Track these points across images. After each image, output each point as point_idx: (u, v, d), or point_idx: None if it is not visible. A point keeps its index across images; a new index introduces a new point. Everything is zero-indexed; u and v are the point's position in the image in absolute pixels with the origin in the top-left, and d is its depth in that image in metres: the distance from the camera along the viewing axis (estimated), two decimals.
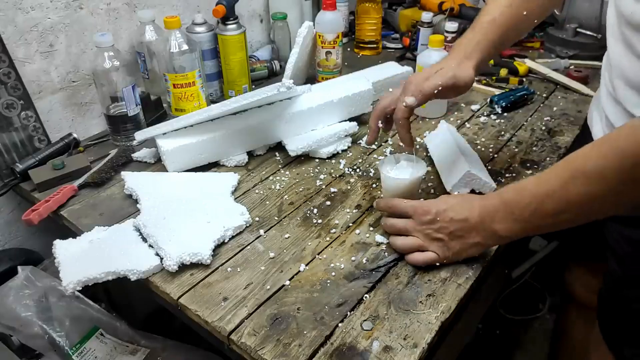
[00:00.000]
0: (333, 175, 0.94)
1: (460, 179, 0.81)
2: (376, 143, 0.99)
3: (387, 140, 1.03)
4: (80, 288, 0.70)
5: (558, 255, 1.15)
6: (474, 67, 0.75)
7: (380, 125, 0.80)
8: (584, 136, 0.90)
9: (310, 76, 1.29)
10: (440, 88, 0.72)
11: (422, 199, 0.74)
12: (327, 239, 0.78)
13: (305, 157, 0.99)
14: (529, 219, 0.62)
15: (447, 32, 1.26)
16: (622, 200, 0.56)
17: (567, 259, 1.13)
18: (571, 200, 0.57)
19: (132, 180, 0.89)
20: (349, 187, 0.90)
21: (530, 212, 0.61)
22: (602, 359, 0.84)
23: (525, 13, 0.77)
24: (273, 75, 1.34)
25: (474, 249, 0.69)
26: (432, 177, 0.92)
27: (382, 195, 0.85)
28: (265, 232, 0.80)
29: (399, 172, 0.78)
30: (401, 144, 0.78)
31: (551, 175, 0.60)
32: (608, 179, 0.54)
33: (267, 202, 0.87)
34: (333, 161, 0.98)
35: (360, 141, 1.02)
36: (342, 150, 1.01)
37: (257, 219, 0.83)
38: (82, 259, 0.73)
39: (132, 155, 0.99)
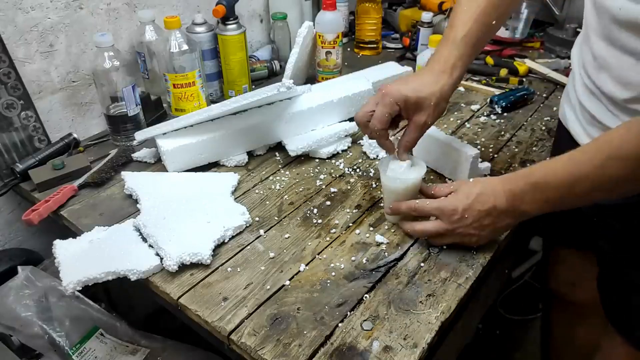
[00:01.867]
0: (333, 175, 0.94)
1: (470, 168, 0.83)
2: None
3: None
4: (80, 288, 0.70)
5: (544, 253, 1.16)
6: (451, 87, 0.74)
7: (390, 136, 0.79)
8: (560, 133, 0.90)
9: (310, 76, 1.29)
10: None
11: (442, 197, 0.73)
12: (327, 239, 0.78)
13: (305, 157, 0.99)
14: (560, 199, 0.64)
15: None
16: None
17: (547, 254, 1.14)
18: (605, 183, 0.59)
19: (132, 180, 0.89)
20: (349, 187, 0.90)
21: (562, 194, 0.63)
22: (611, 344, 0.84)
23: (494, 22, 0.77)
24: (273, 75, 1.34)
25: (506, 229, 0.72)
26: (432, 177, 0.92)
27: (382, 196, 0.85)
28: (265, 232, 0.80)
29: (398, 172, 0.77)
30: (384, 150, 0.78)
31: (584, 158, 0.61)
32: None
33: (267, 202, 0.87)
34: (333, 161, 0.98)
35: (361, 141, 1.02)
36: (342, 150, 1.01)
37: (257, 219, 0.83)
38: (82, 259, 0.73)
39: (132, 155, 0.99)
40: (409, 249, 0.76)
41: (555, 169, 0.64)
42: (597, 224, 0.80)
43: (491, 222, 0.69)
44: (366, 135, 0.77)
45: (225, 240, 0.77)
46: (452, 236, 0.72)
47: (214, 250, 0.75)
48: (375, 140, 0.79)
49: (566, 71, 1.28)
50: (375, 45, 1.48)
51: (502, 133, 1.06)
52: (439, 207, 0.71)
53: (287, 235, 0.79)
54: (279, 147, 1.01)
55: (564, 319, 1.14)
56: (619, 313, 0.80)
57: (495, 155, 0.98)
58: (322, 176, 0.93)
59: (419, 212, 0.74)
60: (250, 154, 0.99)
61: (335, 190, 0.89)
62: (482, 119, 1.12)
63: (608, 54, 0.67)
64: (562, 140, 0.87)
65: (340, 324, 0.64)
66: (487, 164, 0.90)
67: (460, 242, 0.73)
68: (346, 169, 0.95)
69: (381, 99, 0.73)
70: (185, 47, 1.03)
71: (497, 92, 1.20)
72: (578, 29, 1.40)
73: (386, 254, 0.75)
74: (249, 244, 0.77)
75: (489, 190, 0.68)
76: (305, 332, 0.62)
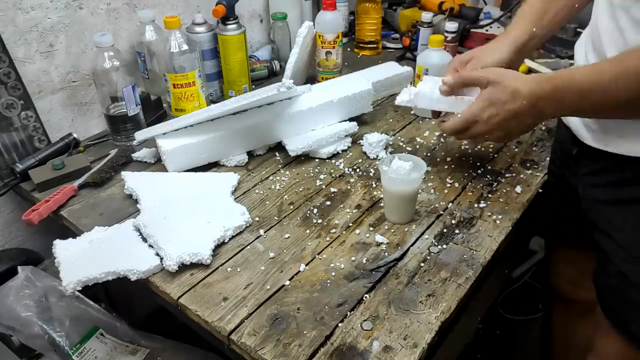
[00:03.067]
0: (333, 175, 0.94)
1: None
2: (376, 143, 0.99)
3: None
4: (80, 288, 0.70)
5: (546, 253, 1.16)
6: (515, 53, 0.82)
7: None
8: (560, 132, 0.91)
9: (310, 76, 1.29)
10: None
11: (468, 109, 0.76)
12: (327, 239, 0.78)
13: (305, 157, 0.99)
14: (576, 104, 0.66)
15: (447, 32, 1.26)
16: None
17: (549, 252, 1.14)
18: (620, 97, 0.61)
19: (132, 180, 0.89)
20: (349, 187, 0.90)
21: (579, 99, 0.65)
22: (605, 341, 0.84)
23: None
24: (273, 75, 1.34)
25: (531, 127, 0.76)
26: (432, 176, 0.92)
27: (382, 196, 0.85)
28: (265, 232, 0.80)
29: (399, 171, 0.78)
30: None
31: (605, 67, 0.63)
32: None
33: (267, 202, 0.87)
34: (333, 161, 0.98)
35: (360, 141, 1.02)
36: (342, 150, 1.01)
37: (257, 219, 0.83)
38: (82, 259, 0.73)
39: (132, 155, 0.99)
40: (409, 249, 0.76)
41: (574, 76, 0.65)
42: (595, 218, 0.80)
43: (516, 123, 0.72)
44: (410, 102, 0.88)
45: (225, 240, 0.77)
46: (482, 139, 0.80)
47: (214, 250, 0.75)
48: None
49: None
50: (375, 45, 1.48)
51: None
52: (464, 120, 0.76)
53: (287, 235, 0.79)
54: (279, 147, 1.01)
55: (565, 318, 1.14)
56: (614, 307, 0.80)
57: (495, 156, 0.98)
58: (322, 176, 0.93)
59: (459, 126, 0.78)
60: (250, 154, 0.99)
61: (335, 190, 0.89)
62: None
63: (614, 26, 0.68)
64: (562, 139, 0.87)
65: (340, 324, 0.64)
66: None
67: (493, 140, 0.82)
68: (346, 169, 0.95)
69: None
70: (185, 47, 1.03)
71: None
72: (578, 29, 1.40)
73: (386, 254, 0.75)
74: (249, 244, 0.77)
75: (513, 95, 0.70)
76: (305, 332, 0.62)
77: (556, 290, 1.13)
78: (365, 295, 0.68)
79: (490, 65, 0.81)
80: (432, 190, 0.88)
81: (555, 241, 1.08)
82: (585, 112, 0.71)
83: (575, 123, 0.79)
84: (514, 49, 0.83)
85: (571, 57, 1.35)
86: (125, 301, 1.12)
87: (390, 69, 1.24)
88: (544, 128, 1.07)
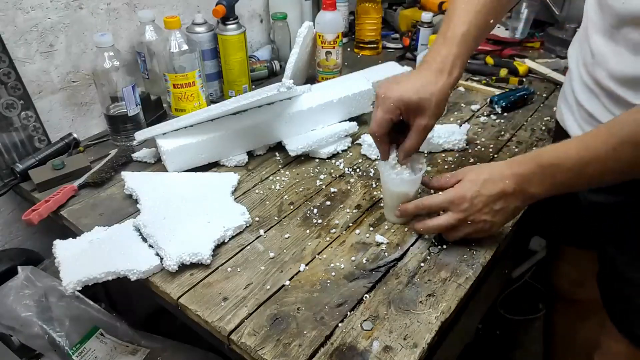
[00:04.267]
0: (333, 175, 0.94)
1: None
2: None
3: None
4: (80, 288, 0.70)
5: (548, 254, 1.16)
6: (451, 86, 0.73)
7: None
8: (557, 135, 0.91)
9: (310, 76, 1.29)
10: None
11: (449, 188, 0.72)
12: (327, 239, 0.78)
13: (305, 157, 0.99)
14: (569, 181, 0.64)
15: None
16: None
17: (551, 252, 1.13)
18: (617, 166, 0.60)
19: (132, 180, 0.89)
20: (349, 187, 0.90)
21: (572, 176, 0.63)
22: (611, 341, 0.84)
23: (492, 21, 0.76)
24: (273, 75, 1.34)
25: (517, 212, 0.71)
26: (431, 176, 0.92)
27: (382, 196, 0.85)
28: (265, 232, 0.80)
29: (398, 171, 0.77)
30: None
31: (596, 142, 0.61)
32: None
33: (267, 202, 0.87)
34: (333, 161, 0.98)
35: (360, 141, 1.02)
36: (342, 151, 1.01)
37: (257, 219, 0.83)
38: (82, 259, 0.73)
39: (132, 155, 0.99)
40: (409, 249, 0.76)
41: (566, 152, 0.63)
42: (597, 223, 0.80)
43: (501, 206, 0.68)
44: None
45: (225, 240, 0.77)
46: (466, 226, 0.71)
47: (214, 250, 0.75)
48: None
49: (566, 71, 1.28)
50: (375, 45, 1.48)
51: (502, 133, 1.06)
52: (447, 199, 0.70)
53: (287, 235, 0.79)
54: (279, 147, 1.01)
55: (567, 318, 1.14)
56: (619, 310, 0.80)
57: (495, 156, 0.98)
58: (322, 176, 0.93)
59: (429, 208, 0.73)
60: (250, 154, 0.99)
61: (335, 190, 0.89)
62: (482, 119, 1.12)
63: (607, 49, 0.67)
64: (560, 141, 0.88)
65: (340, 324, 0.64)
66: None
67: (475, 232, 0.71)
68: (346, 169, 0.95)
69: (382, 102, 0.72)
70: (185, 47, 1.03)
71: (497, 92, 1.20)
72: (577, 29, 1.40)
73: (386, 254, 0.75)
74: (249, 244, 0.77)
75: (496, 175, 0.67)
76: (305, 332, 0.62)
77: (558, 290, 1.13)
78: (365, 295, 0.68)
79: (420, 100, 0.71)
80: (432, 191, 0.88)
81: (557, 241, 1.08)
82: (579, 187, 0.68)
83: (572, 128, 0.79)
84: (449, 80, 0.72)
85: None
86: (125, 301, 1.12)
87: (390, 69, 1.24)
88: (544, 128, 1.07)
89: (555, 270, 1.12)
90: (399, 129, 0.75)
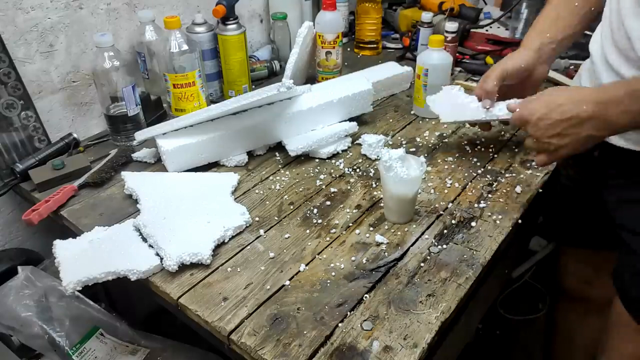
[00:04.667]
0: (333, 175, 0.94)
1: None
2: (376, 144, 0.99)
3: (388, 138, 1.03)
4: (80, 288, 0.70)
5: (555, 253, 1.16)
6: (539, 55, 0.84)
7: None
8: None
9: (310, 76, 1.29)
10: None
11: (521, 105, 0.76)
12: (327, 239, 0.78)
13: (305, 157, 0.99)
14: None
15: (447, 32, 1.26)
16: None
17: (559, 252, 1.13)
18: None
19: (132, 180, 0.89)
20: (349, 187, 0.90)
21: None
22: (621, 341, 0.84)
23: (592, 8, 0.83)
24: (273, 75, 1.34)
25: (589, 141, 0.69)
26: (432, 176, 0.92)
27: (382, 196, 0.85)
28: (265, 232, 0.80)
29: (398, 171, 0.77)
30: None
31: None
32: None
33: (267, 202, 0.87)
34: (333, 161, 0.98)
35: (359, 141, 1.02)
36: (342, 150, 1.01)
37: (257, 219, 0.83)
38: (82, 259, 0.73)
39: (132, 155, 0.99)
40: (409, 249, 0.76)
41: None
42: (621, 219, 0.80)
43: (571, 131, 0.68)
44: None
45: (225, 240, 0.77)
46: (537, 143, 0.74)
47: (214, 250, 0.75)
48: (376, 143, 0.79)
49: (566, 71, 1.28)
50: (375, 45, 1.48)
51: (502, 133, 1.06)
52: (514, 118, 0.76)
53: (287, 235, 0.79)
54: (279, 147, 1.01)
55: (570, 316, 1.14)
56: (634, 296, 0.80)
57: (495, 156, 0.98)
58: (322, 176, 0.93)
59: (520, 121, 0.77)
60: (250, 154, 0.99)
61: (335, 190, 0.89)
62: None
63: None
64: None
65: (340, 324, 0.64)
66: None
67: (542, 151, 0.74)
68: (346, 169, 0.95)
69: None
70: (185, 47, 1.03)
71: None
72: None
73: (386, 254, 0.75)
74: (249, 244, 0.77)
75: (574, 99, 0.67)
76: (305, 332, 0.62)
77: (567, 289, 1.12)
78: (365, 295, 0.68)
79: (510, 69, 0.84)
80: (432, 190, 0.88)
81: (568, 242, 1.08)
82: None
83: None
84: (530, 53, 0.85)
85: (571, 57, 1.35)
86: (125, 301, 1.12)
87: (390, 69, 1.24)
88: None
89: (564, 270, 1.12)
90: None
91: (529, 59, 0.85)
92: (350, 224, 0.81)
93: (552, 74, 1.26)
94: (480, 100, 0.89)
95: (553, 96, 0.71)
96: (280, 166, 0.97)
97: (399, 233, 0.79)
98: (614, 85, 0.66)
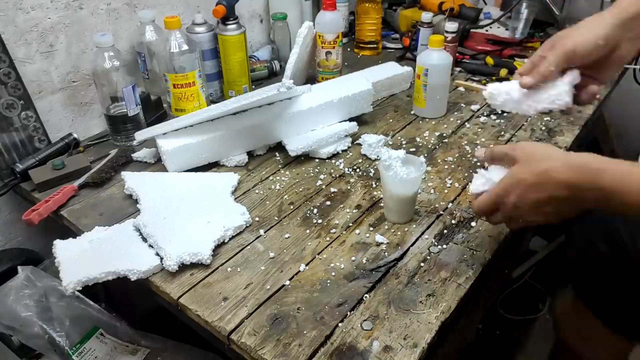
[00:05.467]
0: (333, 175, 0.94)
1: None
2: (376, 144, 0.99)
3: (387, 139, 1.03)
4: (80, 288, 0.70)
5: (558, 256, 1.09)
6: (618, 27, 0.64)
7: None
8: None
9: (310, 76, 1.29)
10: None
11: (495, 187, 0.65)
12: (327, 239, 0.78)
13: (305, 157, 0.99)
14: (629, 210, 0.56)
15: (447, 32, 1.26)
16: None
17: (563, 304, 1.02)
18: None
19: (132, 180, 0.89)
20: (349, 187, 0.90)
21: (629, 210, 0.55)
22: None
23: None
24: (273, 75, 1.34)
25: (573, 212, 0.61)
26: (432, 176, 0.92)
27: (382, 196, 0.85)
28: (265, 232, 0.80)
29: (398, 171, 0.78)
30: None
31: None
32: None
33: (267, 202, 0.87)
34: (333, 161, 0.98)
35: (359, 141, 1.02)
36: (342, 150, 1.01)
37: (257, 219, 0.83)
38: (82, 259, 0.73)
39: (132, 155, 0.99)
40: (409, 249, 0.76)
41: (630, 184, 0.54)
42: None
43: (551, 210, 0.60)
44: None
45: (225, 240, 0.77)
46: (516, 223, 0.65)
47: (214, 250, 0.75)
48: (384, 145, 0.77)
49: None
50: (375, 46, 1.48)
51: (502, 133, 1.06)
52: (492, 202, 0.64)
53: (287, 235, 0.79)
54: (279, 147, 1.01)
55: None
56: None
57: None
58: (322, 176, 0.93)
59: (478, 211, 0.67)
60: (250, 154, 0.99)
61: (335, 190, 0.89)
62: (482, 119, 1.12)
63: None
64: None
65: (340, 324, 0.64)
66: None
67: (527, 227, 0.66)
68: (346, 169, 0.95)
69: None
70: (185, 47, 1.03)
71: None
72: None
73: (386, 254, 0.75)
74: (249, 244, 0.77)
75: (547, 180, 0.59)
76: (305, 332, 0.62)
77: (565, 344, 1.02)
78: (365, 295, 0.68)
79: (580, 49, 0.64)
80: (432, 190, 0.88)
81: (586, 303, 0.92)
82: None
83: None
84: (618, 22, 0.64)
85: None
86: (125, 301, 1.12)
87: (390, 69, 1.24)
88: (544, 128, 1.07)
89: (564, 324, 1.01)
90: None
91: (615, 32, 0.64)
92: (350, 224, 0.81)
93: None
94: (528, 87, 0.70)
95: (526, 170, 0.61)
96: (280, 166, 0.97)
97: (399, 233, 0.79)
98: (583, 171, 0.58)
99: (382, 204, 0.84)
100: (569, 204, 0.59)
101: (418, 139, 1.04)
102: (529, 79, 0.68)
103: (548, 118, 1.11)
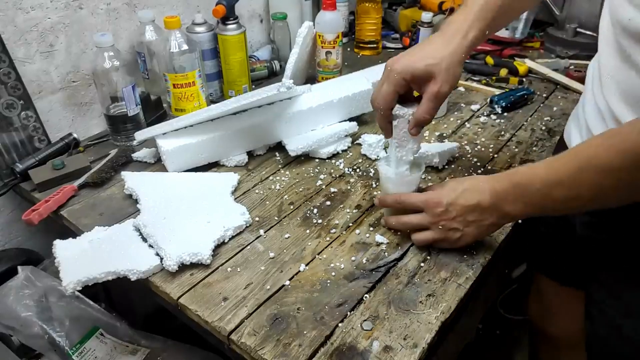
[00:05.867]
0: (333, 175, 0.94)
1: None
2: (376, 144, 0.99)
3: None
4: (80, 288, 0.70)
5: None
6: (466, 49, 0.68)
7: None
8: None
9: (310, 76, 1.29)
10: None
11: (430, 190, 0.73)
12: (327, 239, 0.78)
13: (305, 157, 0.99)
14: (540, 203, 0.62)
15: None
16: (636, 192, 0.56)
17: (528, 281, 1.10)
18: (581, 191, 0.58)
19: (132, 180, 0.89)
20: (349, 187, 0.90)
21: (540, 197, 0.61)
22: None
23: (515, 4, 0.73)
24: (273, 75, 1.34)
25: (491, 229, 0.70)
26: (430, 176, 0.92)
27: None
28: (265, 232, 0.80)
29: (397, 171, 0.77)
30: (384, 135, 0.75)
31: (561, 163, 0.59)
32: (617, 173, 0.54)
33: (267, 202, 0.87)
34: (333, 161, 0.98)
35: (359, 141, 1.02)
36: (342, 150, 1.01)
37: (257, 219, 0.83)
38: (82, 259, 0.73)
39: (132, 155, 0.99)
40: (409, 249, 0.76)
41: (535, 172, 0.62)
42: (589, 260, 0.77)
43: (475, 218, 0.67)
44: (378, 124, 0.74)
45: (225, 240, 0.77)
46: (436, 231, 0.70)
47: (214, 250, 0.75)
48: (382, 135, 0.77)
49: (566, 71, 1.28)
50: (375, 45, 1.48)
51: (502, 133, 1.06)
52: (424, 200, 0.70)
53: (287, 235, 0.79)
54: (279, 147, 1.01)
55: (548, 350, 1.10)
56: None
57: (495, 156, 0.98)
58: (322, 176, 0.93)
59: (404, 204, 0.73)
60: (250, 154, 0.99)
61: (335, 190, 0.89)
62: (482, 119, 1.12)
63: (619, 70, 0.63)
64: None
65: (340, 324, 0.64)
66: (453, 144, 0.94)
67: (444, 239, 0.71)
68: (346, 169, 0.95)
69: (387, 76, 0.69)
70: (185, 47, 1.03)
71: (497, 92, 1.20)
72: (578, 29, 1.40)
73: (386, 254, 0.75)
74: (249, 244, 0.77)
75: (475, 187, 0.67)
76: (305, 332, 0.62)
77: (534, 323, 1.10)
78: (365, 295, 0.68)
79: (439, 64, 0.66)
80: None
81: (536, 270, 1.04)
82: (553, 210, 0.66)
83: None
84: (466, 48, 0.69)
85: (571, 57, 1.36)
86: (125, 301, 1.12)
87: None
88: (544, 128, 1.07)
89: (531, 302, 1.09)
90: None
91: (460, 51, 0.69)
92: (350, 224, 0.81)
93: (553, 74, 1.26)
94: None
95: (456, 182, 0.69)
96: (280, 166, 0.97)
97: (399, 233, 0.79)
98: (501, 175, 0.66)
99: None
100: (491, 212, 0.66)
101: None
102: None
103: (548, 118, 1.11)
